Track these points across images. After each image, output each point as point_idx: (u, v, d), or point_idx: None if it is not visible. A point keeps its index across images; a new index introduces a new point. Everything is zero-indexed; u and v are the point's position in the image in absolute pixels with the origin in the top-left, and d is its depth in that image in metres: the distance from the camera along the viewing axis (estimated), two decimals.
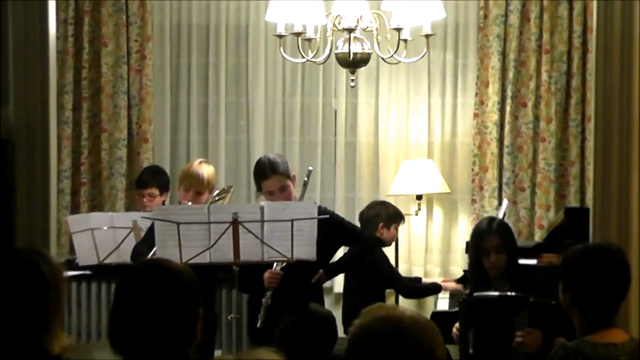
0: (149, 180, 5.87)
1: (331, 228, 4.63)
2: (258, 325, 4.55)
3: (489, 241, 4.50)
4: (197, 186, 4.89)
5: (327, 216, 4.60)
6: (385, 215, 5.99)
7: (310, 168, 4.85)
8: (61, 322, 2.61)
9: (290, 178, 4.75)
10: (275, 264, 4.58)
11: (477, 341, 4.30)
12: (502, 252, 4.50)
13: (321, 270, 4.70)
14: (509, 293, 4.23)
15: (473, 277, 4.62)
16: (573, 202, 6.50)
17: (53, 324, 2.54)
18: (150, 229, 4.83)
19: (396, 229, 6.05)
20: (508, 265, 4.52)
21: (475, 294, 4.41)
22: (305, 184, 4.74)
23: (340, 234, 4.80)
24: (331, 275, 4.86)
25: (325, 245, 4.58)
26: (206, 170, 4.94)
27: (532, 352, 4.06)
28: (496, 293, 4.28)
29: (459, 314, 4.49)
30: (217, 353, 5.38)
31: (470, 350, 4.31)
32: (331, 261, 4.90)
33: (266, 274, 4.61)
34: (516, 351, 4.11)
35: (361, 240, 4.92)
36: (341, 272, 5.49)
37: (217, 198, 5.02)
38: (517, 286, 4.40)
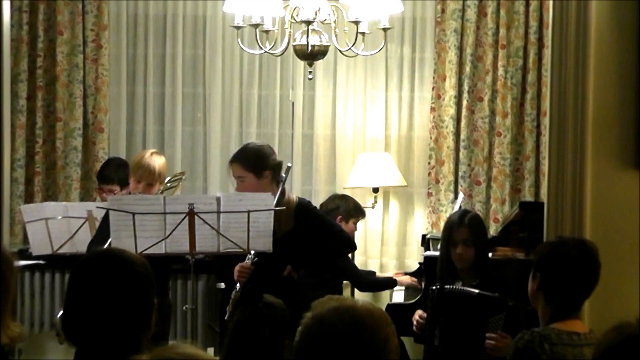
0: (112, 175, 5.81)
1: (310, 222, 4.65)
2: (226, 318, 4.55)
3: (459, 233, 4.53)
4: (148, 178, 4.85)
5: (284, 208, 4.60)
6: (344, 209, 6.01)
7: (290, 164, 4.82)
8: (10, 311, 2.58)
9: (252, 171, 4.71)
10: (247, 256, 4.56)
11: (445, 334, 4.32)
12: (470, 245, 4.52)
13: (289, 266, 4.70)
14: (489, 293, 4.26)
15: (441, 268, 4.64)
16: (528, 196, 6.55)
17: (2, 313, 2.51)
18: (102, 225, 4.80)
19: (355, 223, 6.08)
20: (477, 259, 4.55)
21: (456, 287, 4.44)
22: (282, 181, 4.69)
23: (319, 229, 4.77)
24: (298, 267, 4.81)
25: (301, 237, 4.60)
26: (157, 161, 4.91)
27: (501, 357, 4.09)
28: (476, 291, 4.31)
29: (427, 304, 4.51)
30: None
31: (436, 342, 4.33)
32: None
33: (237, 267, 4.60)
34: (485, 352, 4.13)
35: (338, 238, 4.86)
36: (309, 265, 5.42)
37: (169, 185, 5.01)
38: (487, 282, 4.44)
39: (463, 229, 4.55)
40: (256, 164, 4.73)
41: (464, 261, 4.53)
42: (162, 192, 5.01)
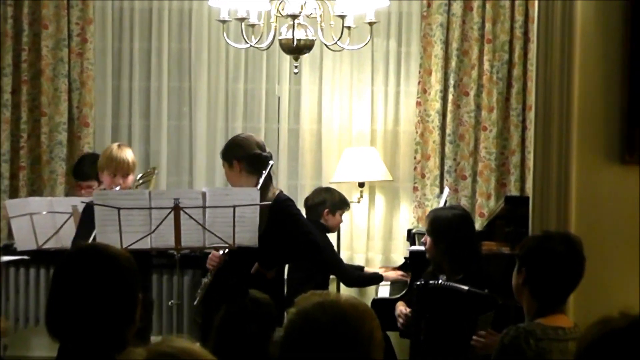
0: (89, 171, 5.81)
1: (282, 219, 4.64)
2: (195, 303, 4.63)
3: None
4: (123, 170, 4.85)
5: (269, 203, 4.60)
6: (330, 202, 6.02)
7: (271, 162, 4.80)
8: None
9: (225, 160, 4.76)
10: None
11: (431, 329, 4.33)
12: (429, 235, 4.69)
13: (257, 263, 4.69)
14: (478, 290, 4.27)
15: (433, 264, 4.73)
16: (513, 190, 6.57)
17: None
18: (82, 222, 4.78)
19: (341, 215, 6.10)
20: (448, 254, 4.60)
21: (443, 282, 4.46)
22: (262, 176, 4.69)
23: (288, 230, 4.74)
24: (267, 268, 4.78)
25: (270, 235, 4.59)
26: (128, 152, 4.92)
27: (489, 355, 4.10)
28: (466, 287, 4.32)
29: (412, 299, 4.53)
30: (153, 339, 5.36)
31: (422, 337, 4.34)
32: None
33: (210, 255, 4.67)
34: (473, 349, 4.13)
35: (303, 242, 4.84)
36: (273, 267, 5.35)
37: (141, 181, 5.01)
38: (471, 276, 4.46)
39: (427, 220, 4.80)
40: (226, 154, 4.79)
41: (427, 252, 4.74)
42: (136, 188, 5.01)
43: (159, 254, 4.97)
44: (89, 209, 4.69)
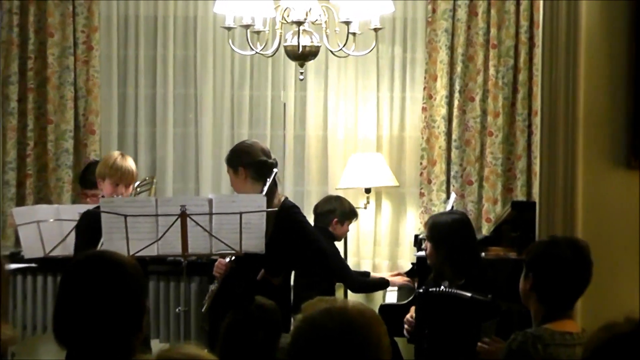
0: (96, 180, 5.81)
1: (288, 227, 4.64)
2: (202, 310, 4.63)
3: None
4: (127, 179, 4.84)
5: (275, 209, 4.60)
6: (340, 211, 6.00)
7: (275, 169, 4.80)
8: (3, 314, 2.58)
9: (230, 166, 4.75)
10: None
11: (434, 336, 4.31)
12: (429, 241, 4.70)
13: (263, 270, 4.69)
14: (481, 297, 4.26)
15: (435, 270, 4.72)
16: (520, 195, 6.56)
17: None
18: (81, 231, 4.77)
19: (348, 225, 6.09)
20: (449, 260, 4.60)
21: (445, 289, 4.45)
22: (266, 183, 4.70)
23: (295, 237, 4.75)
24: (274, 275, 4.78)
25: (277, 242, 4.59)
26: (130, 162, 4.91)
27: None
28: (468, 294, 4.31)
29: (415, 306, 4.52)
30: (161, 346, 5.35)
31: (425, 345, 4.33)
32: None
33: (216, 262, 4.67)
34: (478, 357, 4.12)
35: (311, 250, 4.87)
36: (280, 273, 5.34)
37: (138, 190, 5.00)
38: (473, 281, 4.45)
39: (426, 226, 4.80)
40: (231, 160, 4.79)
41: (428, 257, 4.73)
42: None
43: (159, 261, 4.97)
44: (84, 218, 4.72)
